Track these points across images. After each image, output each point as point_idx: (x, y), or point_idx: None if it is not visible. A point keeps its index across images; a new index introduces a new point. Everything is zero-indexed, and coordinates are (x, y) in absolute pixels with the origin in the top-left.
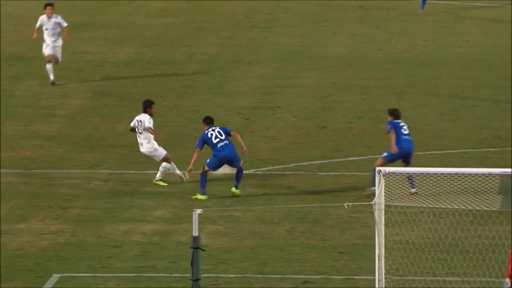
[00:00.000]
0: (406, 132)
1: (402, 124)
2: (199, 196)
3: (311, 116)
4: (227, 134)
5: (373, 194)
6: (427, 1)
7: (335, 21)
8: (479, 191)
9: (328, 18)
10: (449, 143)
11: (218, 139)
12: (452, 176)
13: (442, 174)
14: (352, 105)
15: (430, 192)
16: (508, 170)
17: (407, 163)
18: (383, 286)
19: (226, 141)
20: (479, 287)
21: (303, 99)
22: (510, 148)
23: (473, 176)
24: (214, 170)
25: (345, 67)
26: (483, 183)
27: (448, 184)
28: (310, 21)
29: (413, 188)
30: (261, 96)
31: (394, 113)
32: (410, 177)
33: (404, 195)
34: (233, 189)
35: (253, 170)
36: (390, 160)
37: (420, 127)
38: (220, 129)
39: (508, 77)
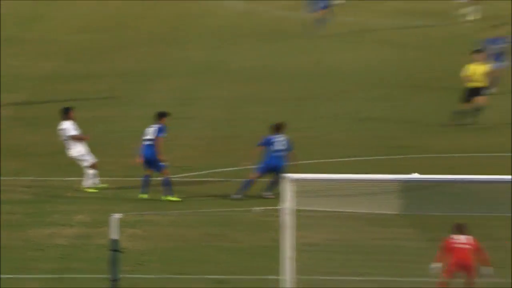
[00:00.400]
0: (277, 148)
1: (277, 140)
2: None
3: (223, 126)
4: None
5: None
6: (327, 22)
7: (245, 37)
8: (379, 195)
9: (240, 34)
10: (347, 150)
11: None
12: (354, 182)
13: (346, 179)
14: (260, 116)
15: (334, 196)
16: (409, 175)
17: (278, 176)
18: (292, 286)
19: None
20: (380, 286)
21: (215, 110)
22: (401, 156)
23: (373, 181)
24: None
25: (253, 80)
26: (383, 187)
27: (351, 189)
28: (223, 38)
29: (267, 192)
30: (177, 107)
31: (275, 128)
32: (272, 182)
33: (311, 200)
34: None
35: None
36: (260, 173)
37: (323, 136)
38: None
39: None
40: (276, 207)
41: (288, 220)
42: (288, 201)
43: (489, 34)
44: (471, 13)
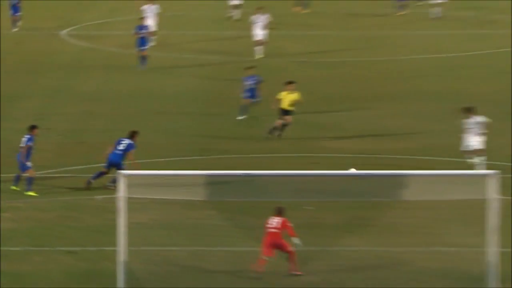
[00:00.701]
0: (119, 148)
1: (122, 142)
2: None
3: (72, 135)
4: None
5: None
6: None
7: (88, 68)
8: (190, 188)
9: (84, 65)
10: (170, 153)
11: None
12: (172, 177)
13: (166, 175)
14: (102, 128)
15: (157, 187)
16: (211, 172)
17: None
18: (125, 255)
19: None
20: (191, 254)
21: (66, 123)
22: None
23: (185, 176)
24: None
25: (94, 100)
26: (192, 181)
27: (170, 181)
28: (71, 68)
29: (111, 184)
30: (37, 121)
31: (129, 134)
32: (114, 180)
33: (140, 189)
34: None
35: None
36: (106, 168)
37: (147, 141)
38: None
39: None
40: (113, 196)
41: (122, 205)
42: (122, 191)
43: (245, 73)
44: (259, 52)
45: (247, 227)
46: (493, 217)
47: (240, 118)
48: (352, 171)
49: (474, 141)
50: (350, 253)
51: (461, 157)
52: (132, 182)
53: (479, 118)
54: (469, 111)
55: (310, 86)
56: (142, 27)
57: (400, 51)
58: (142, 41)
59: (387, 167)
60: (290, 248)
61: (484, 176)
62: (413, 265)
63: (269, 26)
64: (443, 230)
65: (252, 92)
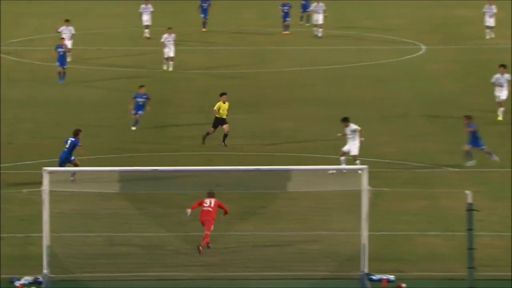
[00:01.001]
0: (66, 146)
1: (68, 140)
2: None
3: (3, 136)
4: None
5: None
6: (64, 77)
7: (19, 79)
8: (106, 182)
9: (14, 76)
10: (89, 151)
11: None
12: (90, 172)
13: (84, 171)
14: (28, 131)
15: (78, 181)
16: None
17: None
18: (48, 240)
19: None
20: (107, 239)
21: None
22: (124, 155)
23: (101, 172)
24: None
25: (24, 107)
26: (108, 176)
27: (88, 177)
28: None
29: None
30: None
31: (74, 132)
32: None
33: (63, 183)
34: None
35: None
36: (58, 165)
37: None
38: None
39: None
40: (38, 189)
41: (45, 198)
42: (45, 185)
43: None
44: (170, 67)
45: (156, 216)
46: (365, 206)
47: (133, 128)
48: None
49: (351, 146)
50: (244, 237)
51: (338, 154)
52: (55, 177)
53: (354, 126)
54: (346, 120)
55: (209, 94)
56: (60, 46)
57: (286, 64)
58: (62, 59)
59: (275, 163)
60: (209, 231)
61: (357, 170)
62: (297, 247)
63: (176, 44)
64: (324, 217)
65: (141, 109)
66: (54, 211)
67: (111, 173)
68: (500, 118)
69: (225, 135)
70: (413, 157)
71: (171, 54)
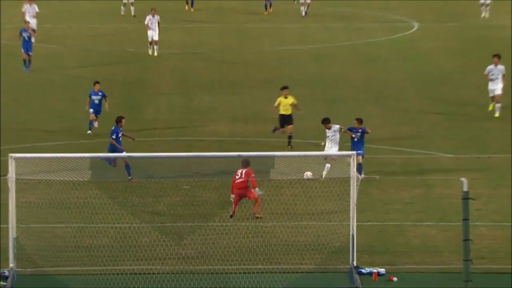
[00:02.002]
0: (113, 137)
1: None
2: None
3: None
4: None
5: None
6: (29, 64)
7: None
8: (77, 170)
9: None
10: (58, 138)
11: None
12: (59, 159)
13: (51, 158)
14: None
15: (44, 171)
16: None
17: None
18: (14, 231)
19: None
20: (76, 230)
21: None
22: (95, 140)
23: (72, 159)
24: None
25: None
26: (79, 163)
27: (57, 164)
28: None
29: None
30: None
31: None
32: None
33: (29, 171)
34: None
35: None
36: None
37: (35, 125)
38: None
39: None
40: (4, 177)
41: (11, 186)
42: (11, 172)
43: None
44: (154, 50)
45: (130, 205)
46: (353, 194)
47: (89, 132)
48: (308, 174)
49: (333, 149)
50: (224, 228)
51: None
52: (22, 164)
53: (336, 126)
54: (326, 122)
55: (190, 74)
56: (25, 30)
57: (272, 42)
58: (27, 44)
59: (257, 149)
60: (254, 195)
61: (345, 156)
62: (281, 239)
63: (159, 25)
64: (310, 207)
65: (98, 107)
66: (21, 200)
67: (82, 160)
68: (496, 115)
69: (289, 137)
70: (406, 141)
71: (156, 38)
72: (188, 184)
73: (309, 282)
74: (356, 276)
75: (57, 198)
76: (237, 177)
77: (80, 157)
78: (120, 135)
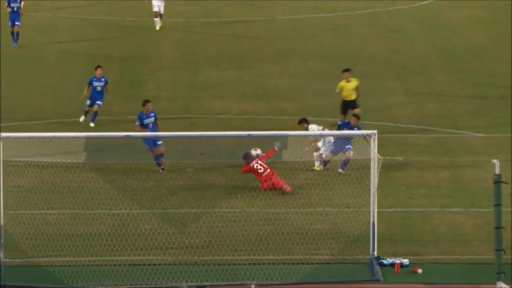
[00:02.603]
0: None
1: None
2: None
3: None
4: None
5: None
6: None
7: None
8: (70, 151)
9: None
10: (49, 115)
11: None
12: (51, 139)
13: (42, 137)
14: None
15: (34, 152)
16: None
17: None
18: (2, 218)
19: None
20: (70, 217)
21: None
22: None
23: (65, 139)
24: None
25: None
26: (73, 144)
27: (48, 145)
28: None
29: None
30: None
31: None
32: None
33: (18, 152)
34: None
35: None
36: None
37: (27, 102)
38: None
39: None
40: None
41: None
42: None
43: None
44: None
45: (129, 190)
46: (374, 178)
47: (81, 119)
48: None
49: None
50: (233, 215)
51: (340, 117)
52: (10, 144)
53: (314, 126)
54: (303, 122)
55: (195, 47)
56: (14, 0)
57: (283, 12)
58: (14, 16)
59: (270, 127)
60: (283, 184)
61: (364, 136)
62: (295, 226)
63: None
64: (326, 191)
65: (100, 97)
66: (9, 184)
67: (76, 140)
68: None
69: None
70: (432, 119)
71: (162, 10)
72: (193, 167)
73: (325, 275)
74: (377, 268)
75: (49, 181)
76: (260, 170)
77: (74, 137)
78: (146, 121)
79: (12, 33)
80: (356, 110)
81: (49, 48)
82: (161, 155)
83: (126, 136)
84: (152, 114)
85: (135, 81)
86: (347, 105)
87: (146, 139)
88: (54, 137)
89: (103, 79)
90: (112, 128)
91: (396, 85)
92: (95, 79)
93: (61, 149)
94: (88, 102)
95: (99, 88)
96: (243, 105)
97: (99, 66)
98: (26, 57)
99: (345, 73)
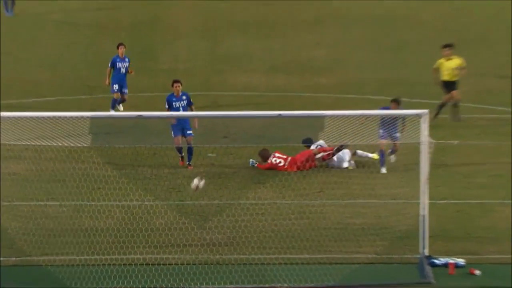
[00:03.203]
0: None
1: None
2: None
3: None
4: None
5: None
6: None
7: None
8: (73, 133)
9: None
10: (48, 91)
11: None
12: (51, 119)
13: (43, 117)
14: None
15: (35, 134)
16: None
17: None
18: None
19: None
20: (73, 209)
21: None
22: (98, 95)
23: (68, 119)
24: None
25: None
26: (76, 125)
27: (48, 126)
28: None
29: None
30: None
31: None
32: None
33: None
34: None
35: None
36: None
37: (23, 77)
38: None
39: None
40: None
41: None
42: None
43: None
44: None
45: (141, 178)
46: (425, 164)
47: (120, 108)
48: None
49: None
50: (260, 207)
51: (388, 94)
52: (5, 125)
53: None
54: (307, 142)
55: (217, 12)
56: None
57: None
58: None
59: (304, 106)
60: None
61: (415, 116)
62: (333, 221)
63: None
64: (368, 180)
65: (124, 79)
66: (4, 171)
67: (80, 120)
68: None
69: (455, 106)
70: (493, 97)
71: None
72: (215, 152)
73: (368, 276)
74: (428, 269)
75: (49, 168)
76: (280, 164)
77: (78, 117)
78: (176, 105)
79: (5, 1)
80: (453, 93)
81: (48, 17)
82: (190, 148)
83: (138, 116)
84: (184, 97)
85: (147, 51)
86: (447, 85)
87: (174, 127)
88: (54, 117)
89: (127, 59)
90: (121, 106)
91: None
92: (118, 60)
93: (62, 131)
94: (115, 87)
95: (123, 70)
96: (272, 80)
97: (121, 44)
98: (22, 26)
99: (445, 49)
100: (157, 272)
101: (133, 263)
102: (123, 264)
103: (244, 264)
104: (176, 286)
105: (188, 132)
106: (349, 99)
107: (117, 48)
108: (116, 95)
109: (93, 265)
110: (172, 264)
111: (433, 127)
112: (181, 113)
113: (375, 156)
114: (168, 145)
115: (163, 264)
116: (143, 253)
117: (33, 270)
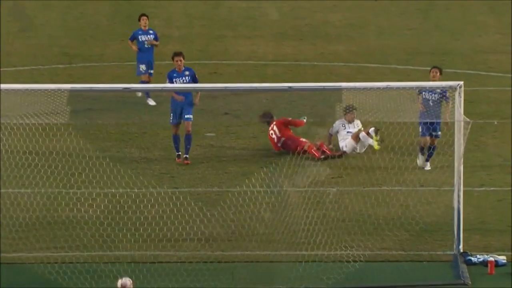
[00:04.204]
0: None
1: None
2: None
3: None
4: None
5: None
6: None
7: None
8: (49, 108)
9: None
10: (20, 60)
11: None
12: (23, 92)
13: (13, 90)
14: None
15: (3, 110)
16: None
17: None
18: None
19: None
20: (50, 197)
21: None
22: (78, 65)
23: (43, 92)
24: None
25: None
26: (52, 98)
27: (20, 100)
28: None
29: None
30: None
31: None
32: None
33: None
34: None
35: None
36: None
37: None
38: None
39: None
40: None
41: None
42: None
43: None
44: None
45: (129, 162)
46: (459, 147)
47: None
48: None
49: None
50: (267, 195)
51: (416, 64)
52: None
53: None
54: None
55: None
56: None
57: None
58: None
59: (314, 78)
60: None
61: (448, 88)
62: (351, 211)
63: None
64: (393, 164)
65: (150, 56)
66: None
67: (56, 93)
68: None
69: None
70: None
71: None
72: (214, 131)
73: (394, 276)
74: (463, 267)
75: (20, 150)
76: (272, 136)
77: (54, 89)
78: (179, 81)
79: None
80: None
81: None
82: (187, 136)
83: (125, 89)
84: (187, 73)
85: (135, 14)
86: None
87: (173, 106)
88: (27, 89)
89: (151, 32)
90: (105, 77)
91: (489, 21)
92: (140, 32)
93: (37, 106)
94: (142, 67)
95: (148, 45)
96: (281, 47)
97: (143, 15)
98: None
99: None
100: (148, 270)
101: (118, 261)
102: (107, 262)
103: (247, 262)
104: (170, 287)
105: (187, 116)
106: (371, 69)
107: (139, 20)
108: (144, 77)
109: (71, 262)
110: (164, 262)
111: (468, 103)
112: (174, 85)
113: (376, 145)
114: (158, 123)
115: (155, 262)
116: (131, 249)
117: (6, 269)
